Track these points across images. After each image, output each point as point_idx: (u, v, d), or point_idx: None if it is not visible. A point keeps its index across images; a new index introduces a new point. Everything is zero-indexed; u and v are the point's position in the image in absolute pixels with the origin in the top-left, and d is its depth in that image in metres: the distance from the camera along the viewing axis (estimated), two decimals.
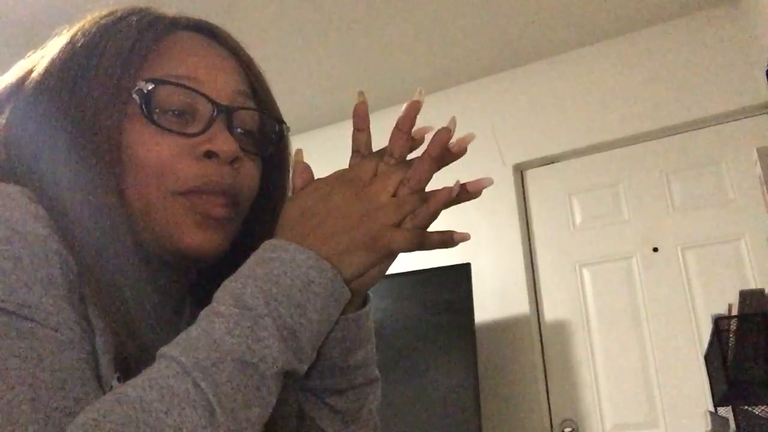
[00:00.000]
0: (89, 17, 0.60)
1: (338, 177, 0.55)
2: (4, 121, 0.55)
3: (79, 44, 0.57)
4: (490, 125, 2.83)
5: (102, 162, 0.53)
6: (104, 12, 0.60)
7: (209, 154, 0.55)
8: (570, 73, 2.77)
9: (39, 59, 0.59)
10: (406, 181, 0.53)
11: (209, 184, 0.55)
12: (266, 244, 0.51)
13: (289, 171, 0.64)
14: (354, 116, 0.56)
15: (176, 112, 0.56)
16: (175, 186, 0.54)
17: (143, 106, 0.55)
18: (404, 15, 2.51)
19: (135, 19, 0.59)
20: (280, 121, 0.63)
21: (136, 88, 0.55)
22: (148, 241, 0.56)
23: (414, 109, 0.55)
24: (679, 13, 2.57)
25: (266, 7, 2.40)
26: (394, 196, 0.53)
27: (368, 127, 0.57)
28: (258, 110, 0.61)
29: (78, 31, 0.59)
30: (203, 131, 0.56)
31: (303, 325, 0.48)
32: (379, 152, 0.56)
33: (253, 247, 0.57)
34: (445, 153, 0.54)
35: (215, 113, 0.56)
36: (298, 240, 0.51)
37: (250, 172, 0.59)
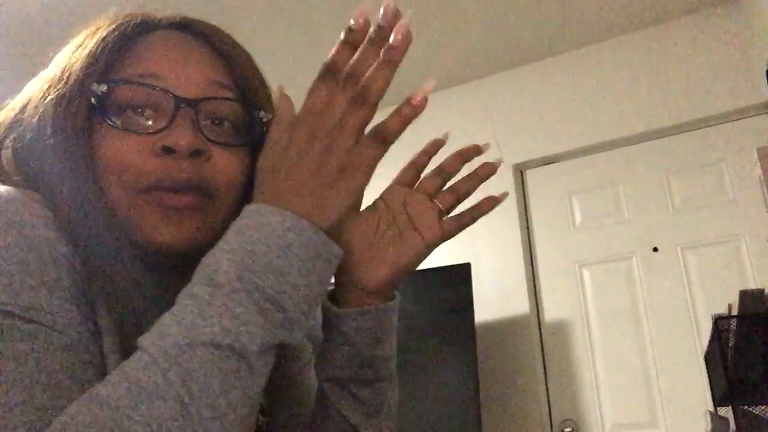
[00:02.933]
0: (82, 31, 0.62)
1: (296, 117, 0.52)
2: (15, 136, 0.57)
3: (60, 59, 0.60)
4: (490, 125, 2.83)
5: (82, 166, 0.54)
6: (94, 23, 0.61)
7: (166, 150, 0.54)
8: (570, 73, 2.77)
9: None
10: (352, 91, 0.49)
11: (168, 180, 0.54)
12: (244, 210, 0.49)
13: None
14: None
15: (139, 110, 0.56)
16: (136, 184, 0.54)
17: (100, 108, 0.55)
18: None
19: (109, 26, 0.60)
20: (258, 108, 0.61)
21: (91, 91, 0.55)
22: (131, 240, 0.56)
23: (365, 22, 0.50)
24: (679, 13, 2.57)
25: (267, 7, 2.40)
26: None
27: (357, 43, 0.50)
28: (228, 99, 0.59)
29: (70, 44, 0.61)
30: (166, 127, 0.55)
31: (287, 293, 0.46)
32: (326, 72, 0.50)
33: None
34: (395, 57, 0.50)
35: (177, 107, 0.56)
36: (271, 200, 0.49)
37: (224, 164, 0.57)
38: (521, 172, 2.85)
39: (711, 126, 2.53)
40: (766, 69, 2.01)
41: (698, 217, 2.47)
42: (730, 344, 1.56)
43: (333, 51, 0.50)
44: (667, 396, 2.35)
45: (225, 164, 0.57)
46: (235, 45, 0.63)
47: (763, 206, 1.93)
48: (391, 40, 0.49)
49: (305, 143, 0.49)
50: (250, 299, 0.44)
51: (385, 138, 0.51)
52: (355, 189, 0.50)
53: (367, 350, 0.59)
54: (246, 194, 0.60)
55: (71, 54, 0.59)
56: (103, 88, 0.55)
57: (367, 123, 0.50)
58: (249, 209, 0.49)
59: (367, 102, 0.50)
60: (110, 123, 0.55)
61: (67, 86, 0.56)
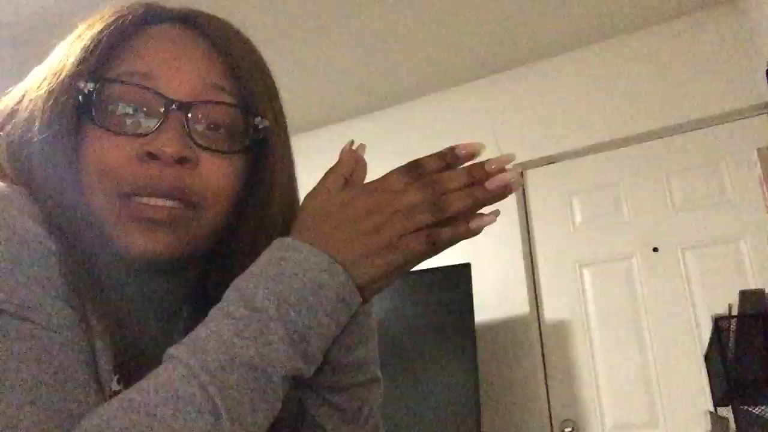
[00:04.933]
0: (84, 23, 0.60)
1: (365, 186, 0.54)
2: (9, 128, 0.56)
3: (59, 49, 0.58)
4: (490, 125, 2.83)
5: (67, 166, 0.53)
6: (99, 12, 0.59)
7: (151, 156, 0.52)
8: (570, 73, 2.77)
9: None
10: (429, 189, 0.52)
11: (150, 187, 0.53)
12: (279, 243, 0.50)
13: (275, 167, 0.60)
14: (464, 150, 0.54)
15: (129, 111, 0.54)
16: (117, 188, 0.53)
17: (86, 107, 0.54)
18: (405, 15, 2.51)
19: (109, 17, 0.58)
20: (255, 114, 0.58)
21: (80, 88, 0.54)
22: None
23: (470, 155, 0.54)
24: (679, 13, 2.57)
25: (269, 6, 2.40)
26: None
27: (453, 162, 0.54)
28: (223, 103, 0.57)
29: (73, 33, 0.59)
30: (154, 130, 0.53)
31: (313, 329, 0.47)
32: (413, 168, 0.53)
33: (240, 245, 0.57)
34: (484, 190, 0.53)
35: (167, 109, 0.54)
36: (312, 241, 0.50)
37: (213, 171, 0.55)
38: (521, 172, 2.85)
39: (711, 126, 2.53)
40: (766, 69, 2.01)
41: (698, 217, 2.47)
42: (730, 344, 1.56)
43: (428, 156, 0.54)
44: (667, 396, 2.35)
45: (214, 172, 0.55)
46: (241, 43, 0.61)
47: (763, 206, 1.93)
48: (488, 184, 0.53)
49: (365, 210, 0.51)
50: (285, 329, 0.46)
51: (434, 242, 0.52)
52: (388, 268, 0.51)
53: (338, 357, 0.57)
54: (238, 202, 0.58)
55: (70, 45, 0.57)
56: (91, 86, 0.54)
57: (426, 225, 0.52)
58: (286, 243, 0.50)
59: (440, 212, 0.51)
60: (96, 123, 0.53)
61: (58, 81, 0.55)
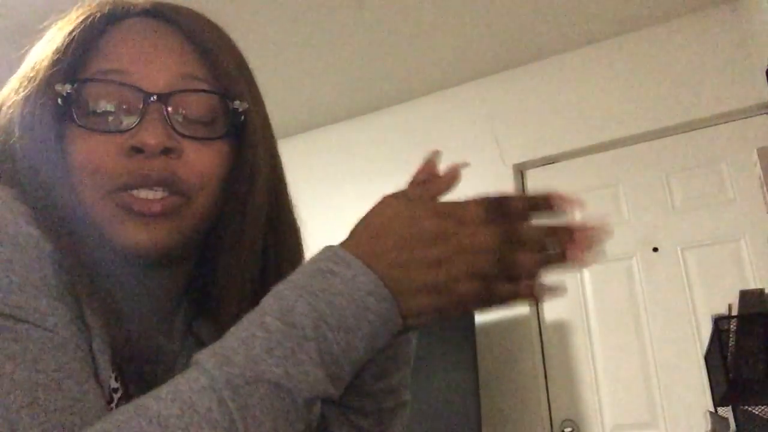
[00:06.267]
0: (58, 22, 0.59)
1: (439, 207, 0.49)
2: None
3: (32, 55, 0.58)
4: (490, 125, 2.83)
5: (53, 168, 0.53)
6: (67, 14, 0.59)
7: (135, 149, 0.53)
8: (570, 73, 2.77)
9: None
10: (512, 238, 0.47)
11: (139, 179, 0.53)
12: (328, 252, 0.47)
13: (256, 149, 0.59)
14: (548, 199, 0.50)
15: (108, 109, 0.54)
16: (107, 185, 0.53)
17: (66, 109, 0.54)
18: (405, 15, 2.51)
19: (77, 18, 0.58)
20: (233, 98, 0.58)
21: (57, 91, 0.54)
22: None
23: (565, 207, 0.51)
24: (679, 13, 2.57)
25: (267, 6, 2.40)
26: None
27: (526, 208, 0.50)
28: (200, 91, 0.57)
29: (44, 37, 0.59)
30: (135, 124, 0.53)
31: (347, 353, 0.45)
32: (496, 204, 0.49)
33: (230, 229, 0.56)
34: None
35: (145, 102, 0.54)
36: (365, 257, 0.46)
37: (198, 159, 0.55)
38: (521, 172, 2.85)
39: (711, 126, 2.53)
40: (766, 69, 2.02)
41: (698, 217, 2.47)
42: (730, 344, 1.56)
43: (516, 196, 0.49)
44: (667, 396, 2.35)
45: (199, 159, 0.56)
46: (211, 30, 0.61)
47: (763, 206, 1.93)
48: (569, 253, 0.49)
49: (432, 235, 0.47)
50: (317, 352, 0.44)
51: (491, 297, 0.48)
52: (436, 307, 0.47)
53: (370, 382, 0.55)
54: (225, 188, 0.58)
55: (42, 49, 0.57)
56: (68, 88, 0.54)
57: (487, 275, 0.47)
58: (337, 254, 0.47)
59: (505, 269, 0.47)
60: (78, 124, 0.54)
61: (34, 86, 0.55)
